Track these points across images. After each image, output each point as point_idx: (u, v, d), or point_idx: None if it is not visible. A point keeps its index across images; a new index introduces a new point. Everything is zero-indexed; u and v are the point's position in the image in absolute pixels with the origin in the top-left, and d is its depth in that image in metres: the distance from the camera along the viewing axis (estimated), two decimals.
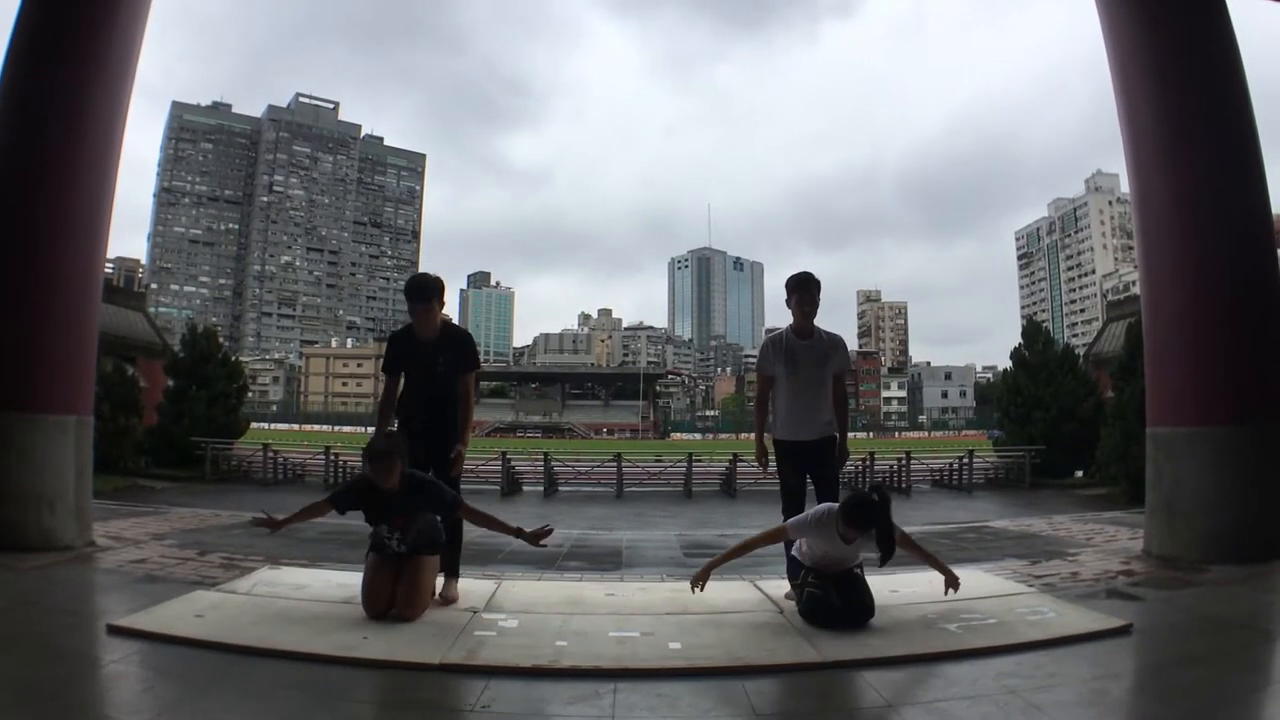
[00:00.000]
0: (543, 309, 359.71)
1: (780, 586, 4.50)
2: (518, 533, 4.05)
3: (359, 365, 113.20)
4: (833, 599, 3.81)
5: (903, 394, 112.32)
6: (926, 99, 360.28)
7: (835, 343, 4.76)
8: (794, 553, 4.15)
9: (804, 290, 4.67)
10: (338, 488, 4.13)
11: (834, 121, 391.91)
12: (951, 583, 4.02)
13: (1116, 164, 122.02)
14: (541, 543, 3.99)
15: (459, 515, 4.21)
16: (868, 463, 18.62)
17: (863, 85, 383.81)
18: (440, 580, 4.28)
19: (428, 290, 4.51)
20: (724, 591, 4.67)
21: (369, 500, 4.02)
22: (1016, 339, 21.92)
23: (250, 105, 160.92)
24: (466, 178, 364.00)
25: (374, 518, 4.05)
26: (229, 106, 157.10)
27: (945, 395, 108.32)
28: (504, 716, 2.75)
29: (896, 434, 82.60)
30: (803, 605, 3.93)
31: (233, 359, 22.10)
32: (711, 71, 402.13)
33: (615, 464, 18.21)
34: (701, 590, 4.02)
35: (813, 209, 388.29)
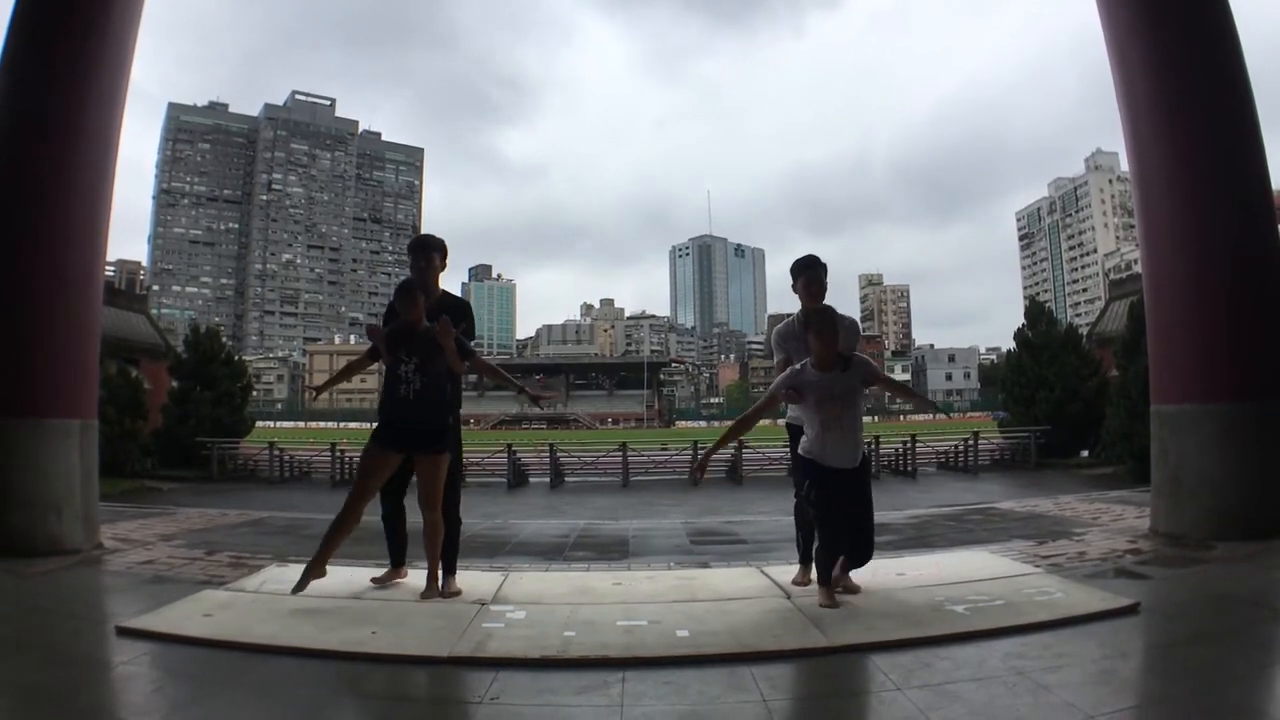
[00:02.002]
0: (544, 301, 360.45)
1: (787, 573, 4.51)
2: (521, 390, 4.82)
3: None
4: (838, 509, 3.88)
5: (907, 377, 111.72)
6: (914, 87, 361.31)
7: (842, 323, 4.68)
8: (800, 449, 4.10)
9: (810, 273, 4.55)
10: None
11: (824, 111, 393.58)
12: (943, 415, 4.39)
13: (1113, 142, 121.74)
14: (541, 404, 4.31)
15: (476, 359, 4.38)
16: (873, 446, 18.62)
17: (851, 75, 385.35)
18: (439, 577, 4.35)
19: (428, 244, 4.62)
20: (731, 578, 4.68)
21: (395, 338, 4.24)
22: (1019, 319, 21.86)
23: (246, 107, 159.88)
24: (462, 174, 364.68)
25: (397, 350, 4.21)
26: (225, 106, 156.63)
27: (949, 378, 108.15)
28: (513, 708, 2.76)
29: (901, 417, 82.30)
30: (811, 498, 3.97)
31: (236, 358, 22.08)
32: (701, 66, 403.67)
33: (621, 453, 18.22)
34: (701, 479, 4.17)
35: (807, 197, 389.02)
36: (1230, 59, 5.59)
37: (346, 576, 4.64)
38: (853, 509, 3.92)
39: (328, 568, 4.17)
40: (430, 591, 4.21)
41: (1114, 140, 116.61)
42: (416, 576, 4.46)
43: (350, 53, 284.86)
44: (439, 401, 4.21)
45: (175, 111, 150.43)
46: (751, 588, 4.38)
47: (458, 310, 4.51)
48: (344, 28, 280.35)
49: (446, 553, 4.37)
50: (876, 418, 79.34)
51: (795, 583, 4.30)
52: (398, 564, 4.60)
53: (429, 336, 4.15)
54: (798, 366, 4.05)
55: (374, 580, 4.48)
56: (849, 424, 3.94)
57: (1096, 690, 2.74)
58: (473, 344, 4.41)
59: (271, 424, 50.88)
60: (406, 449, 4.22)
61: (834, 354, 3.94)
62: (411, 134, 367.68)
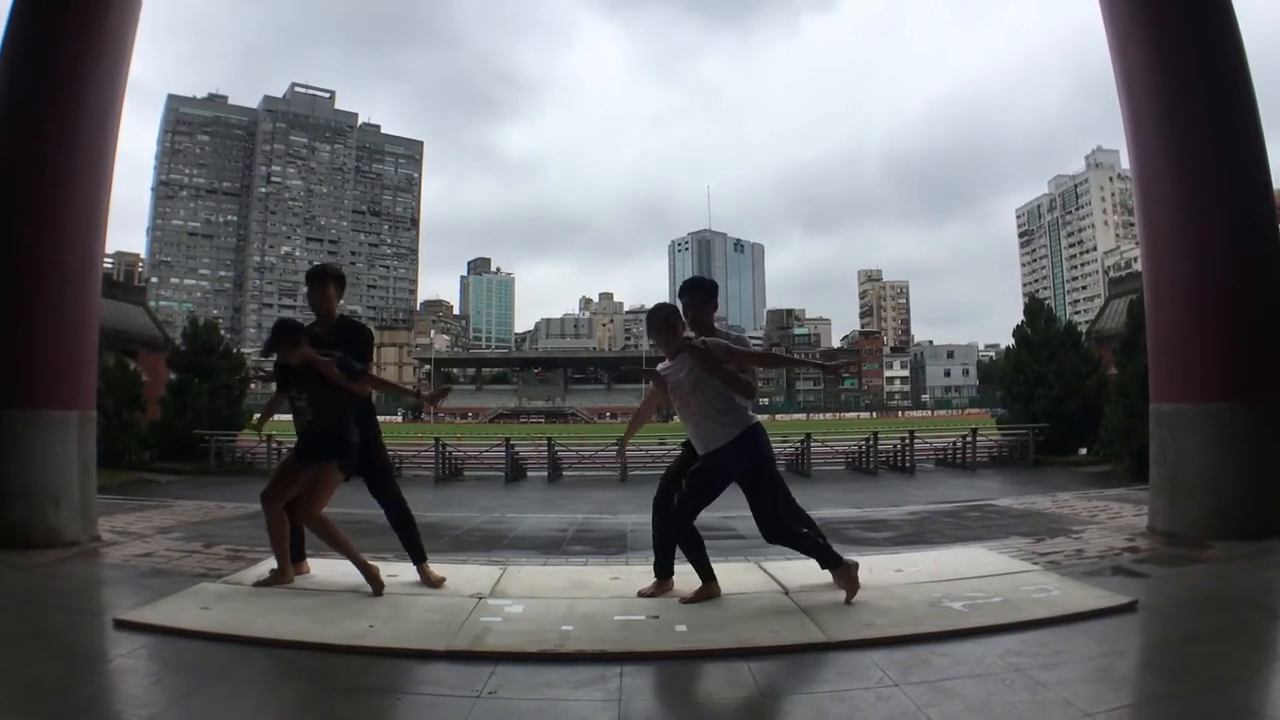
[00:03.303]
0: (543, 294, 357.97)
1: (785, 569, 4.51)
2: (416, 394, 5.14)
3: None
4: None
5: (905, 373, 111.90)
6: (908, 87, 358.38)
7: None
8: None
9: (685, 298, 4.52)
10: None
11: (819, 111, 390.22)
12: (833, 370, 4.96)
13: (1114, 140, 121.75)
14: (432, 409, 4.53)
15: (365, 378, 4.40)
16: (871, 442, 18.63)
17: (845, 75, 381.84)
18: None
19: (323, 274, 4.66)
20: (729, 574, 4.67)
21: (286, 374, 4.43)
22: (1019, 316, 21.84)
23: (246, 101, 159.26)
24: (461, 168, 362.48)
25: (288, 387, 4.44)
26: (225, 98, 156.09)
27: (948, 374, 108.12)
28: (511, 701, 2.76)
29: (900, 413, 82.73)
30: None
31: (235, 351, 22.03)
32: (697, 65, 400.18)
33: (619, 448, 18.19)
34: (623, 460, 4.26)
35: (805, 193, 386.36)
36: (1232, 53, 5.56)
37: (345, 569, 4.63)
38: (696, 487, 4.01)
39: (327, 560, 4.18)
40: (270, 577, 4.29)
41: (1114, 138, 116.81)
42: (404, 570, 4.47)
43: (350, 51, 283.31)
44: (329, 431, 4.29)
45: (175, 103, 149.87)
46: (749, 583, 4.39)
47: (352, 333, 4.58)
48: (344, 28, 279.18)
49: (410, 542, 4.49)
50: (874, 413, 79.58)
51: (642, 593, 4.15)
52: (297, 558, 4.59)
53: (309, 371, 4.26)
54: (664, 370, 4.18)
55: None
56: (691, 412, 4.01)
57: (1094, 688, 2.74)
58: (369, 365, 4.53)
59: None
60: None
61: (667, 348, 4.12)
62: (410, 129, 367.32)
